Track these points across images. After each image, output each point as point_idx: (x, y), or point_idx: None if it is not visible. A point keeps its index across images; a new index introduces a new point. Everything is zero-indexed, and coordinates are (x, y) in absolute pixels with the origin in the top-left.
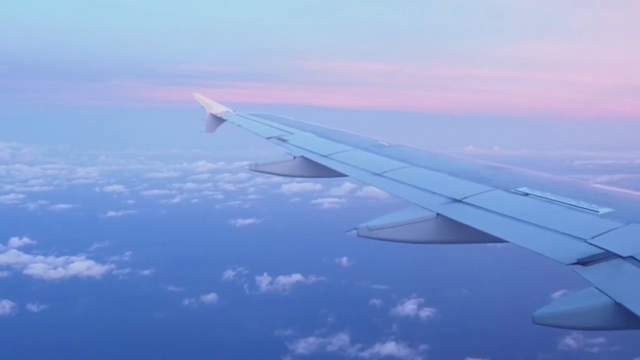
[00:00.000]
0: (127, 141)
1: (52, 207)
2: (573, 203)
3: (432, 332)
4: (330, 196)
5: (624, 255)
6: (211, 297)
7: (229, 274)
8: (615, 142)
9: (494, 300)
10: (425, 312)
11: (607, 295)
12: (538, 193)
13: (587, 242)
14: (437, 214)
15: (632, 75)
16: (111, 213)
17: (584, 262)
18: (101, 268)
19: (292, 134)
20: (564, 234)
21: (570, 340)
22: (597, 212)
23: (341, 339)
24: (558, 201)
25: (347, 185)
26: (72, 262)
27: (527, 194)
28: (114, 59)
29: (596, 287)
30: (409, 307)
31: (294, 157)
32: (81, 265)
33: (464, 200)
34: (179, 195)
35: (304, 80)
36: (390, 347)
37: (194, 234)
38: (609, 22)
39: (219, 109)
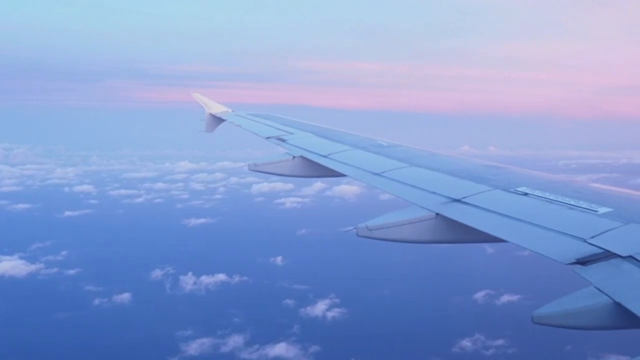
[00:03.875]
0: (123, 142)
1: (10, 207)
2: (572, 203)
3: (332, 333)
4: (296, 196)
5: (624, 254)
6: (124, 297)
7: (157, 273)
8: (606, 141)
9: (411, 301)
10: (333, 313)
11: (606, 294)
12: (537, 193)
13: (586, 241)
14: (437, 214)
15: (628, 75)
16: (68, 213)
17: (583, 261)
18: (28, 268)
19: (292, 133)
20: (563, 233)
21: (467, 342)
22: (597, 211)
23: (236, 340)
24: (557, 201)
25: (317, 185)
26: (0, 261)
27: (526, 194)
28: (110, 60)
29: (595, 287)
30: (319, 307)
31: (294, 157)
32: (7, 265)
33: (464, 200)
34: (145, 195)
35: (299, 81)
36: (280, 349)
37: (140, 234)
38: (601, 22)
39: (218, 109)
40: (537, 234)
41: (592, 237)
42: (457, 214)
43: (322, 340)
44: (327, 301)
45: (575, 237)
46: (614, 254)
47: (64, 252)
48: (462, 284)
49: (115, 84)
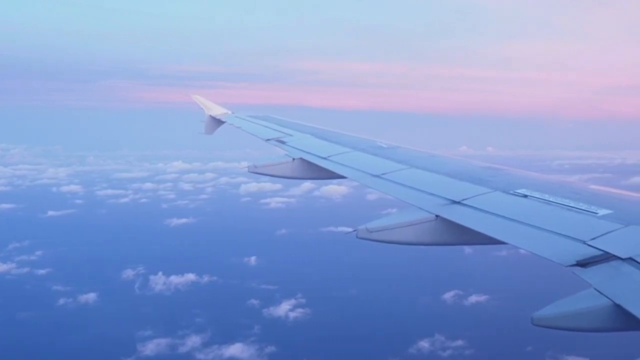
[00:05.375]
0: (122, 142)
1: None
2: (572, 204)
3: (292, 333)
4: (283, 196)
5: (623, 256)
6: (89, 297)
7: (128, 273)
8: (606, 141)
9: (379, 301)
10: (296, 314)
11: (606, 296)
12: (537, 194)
13: (586, 243)
14: (436, 216)
15: (628, 75)
16: (51, 213)
17: (583, 263)
18: None
19: (291, 135)
20: (563, 235)
21: (424, 343)
22: (596, 213)
23: (194, 341)
24: (557, 203)
25: (305, 185)
26: None
27: (526, 196)
28: (110, 60)
29: (595, 289)
30: (283, 308)
31: (293, 159)
32: None
33: (463, 201)
34: (132, 195)
35: (299, 81)
36: (235, 349)
37: (120, 233)
38: (601, 22)
39: (217, 111)
40: (536, 236)
41: (592, 239)
42: (457, 215)
43: (280, 340)
44: (292, 301)
45: (575, 239)
46: (614, 255)
47: (38, 252)
48: (435, 284)
49: (115, 84)
